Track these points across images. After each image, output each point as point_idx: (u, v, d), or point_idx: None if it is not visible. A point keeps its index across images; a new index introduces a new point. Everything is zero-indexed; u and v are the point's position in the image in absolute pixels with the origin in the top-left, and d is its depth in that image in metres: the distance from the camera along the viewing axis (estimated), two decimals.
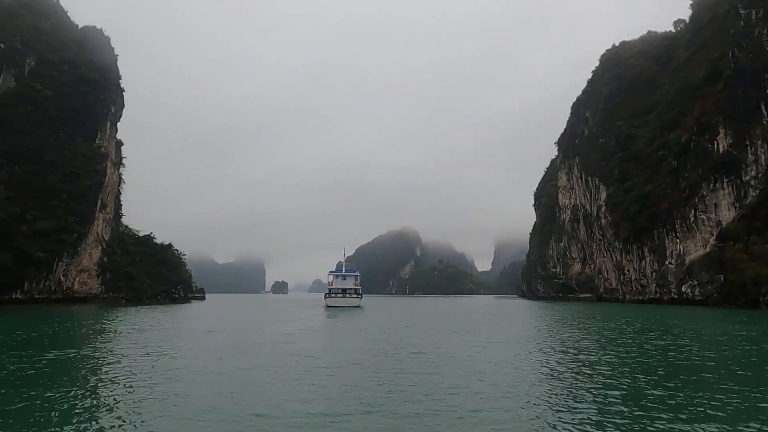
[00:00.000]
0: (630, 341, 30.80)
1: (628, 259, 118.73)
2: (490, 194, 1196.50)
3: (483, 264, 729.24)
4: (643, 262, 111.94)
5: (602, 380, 17.86)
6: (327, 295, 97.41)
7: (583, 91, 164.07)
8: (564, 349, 27.29)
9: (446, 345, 29.10)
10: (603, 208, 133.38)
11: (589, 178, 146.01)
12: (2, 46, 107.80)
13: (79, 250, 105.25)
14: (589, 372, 19.67)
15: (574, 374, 19.26)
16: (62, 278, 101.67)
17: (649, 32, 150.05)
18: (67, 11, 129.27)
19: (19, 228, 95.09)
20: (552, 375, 19.26)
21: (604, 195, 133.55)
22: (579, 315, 62.88)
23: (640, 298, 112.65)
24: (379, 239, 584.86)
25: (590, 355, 24.69)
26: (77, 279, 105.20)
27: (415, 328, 42.49)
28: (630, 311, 72.66)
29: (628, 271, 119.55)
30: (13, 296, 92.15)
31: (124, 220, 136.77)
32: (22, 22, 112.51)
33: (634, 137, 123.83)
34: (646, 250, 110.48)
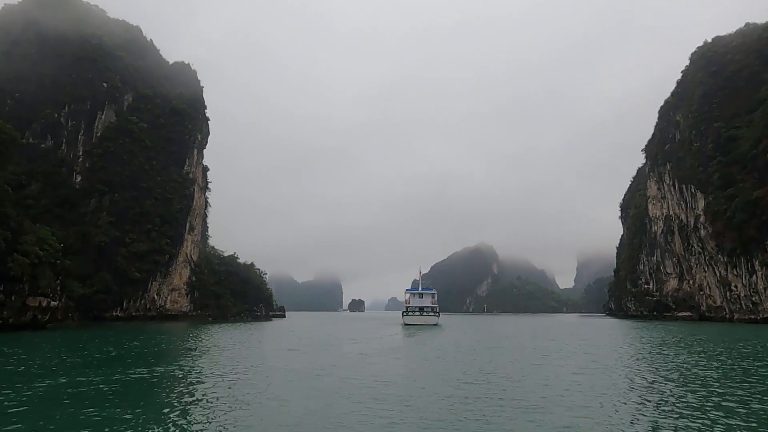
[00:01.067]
0: (758, 368, 26.52)
1: (735, 273, 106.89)
2: (571, 207, 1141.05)
3: (564, 281, 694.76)
4: (754, 276, 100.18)
5: (738, 419, 14.89)
6: (404, 314, 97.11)
7: (673, 93, 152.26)
8: (683, 377, 23.83)
9: (540, 370, 26.50)
10: (702, 218, 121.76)
11: (683, 186, 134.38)
12: (105, 85, 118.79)
13: (171, 270, 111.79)
14: (721, 406, 16.61)
15: (702, 409, 16.32)
16: (156, 297, 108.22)
17: (747, 24, 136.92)
18: (159, 50, 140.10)
19: (119, 250, 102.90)
20: (679, 410, 16.43)
21: (702, 204, 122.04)
22: (684, 336, 56.65)
23: (752, 317, 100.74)
24: (454, 256, 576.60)
25: (715, 386, 21.24)
26: (169, 297, 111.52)
27: (501, 350, 39.84)
28: (743, 332, 64.67)
29: (736, 287, 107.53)
30: (114, 314, 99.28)
31: (210, 241, 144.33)
32: (121, 62, 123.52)
33: (736, 139, 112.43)
34: (757, 263, 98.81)
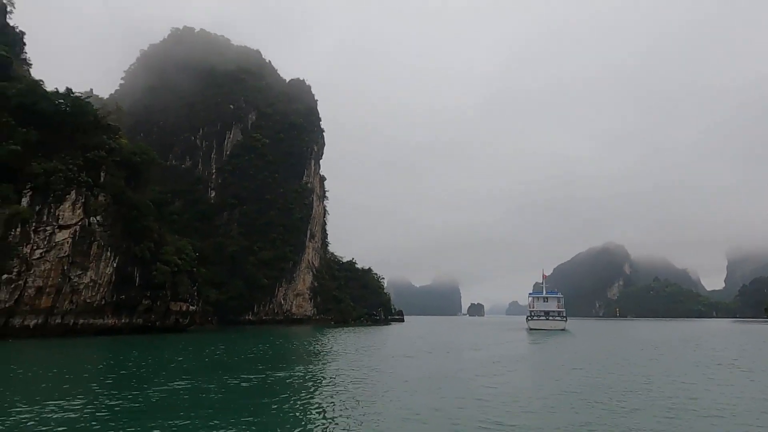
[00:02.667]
0: None
1: None
2: (718, 197, 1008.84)
3: (712, 282, 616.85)
4: None
5: None
6: (529, 318, 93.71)
7: None
8: None
9: (721, 396, 21.61)
10: None
11: None
12: (232, 107, 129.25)
13: (295, 276, 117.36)
14: None
15: None
16: (282, 301, 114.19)
17: None
18: (276, 69, 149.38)
19: (248, 258, 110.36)
20: None
21: None
22: None
23: None
24: (579, 257, 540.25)
25: None
26: (294, 302, 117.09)
27: (652, 361, 34.33)
28: None
29: None
30: (246, 318, 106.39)
31: (330, 248, 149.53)
32: (244, 84, 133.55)
33: None
34: None
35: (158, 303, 59.90)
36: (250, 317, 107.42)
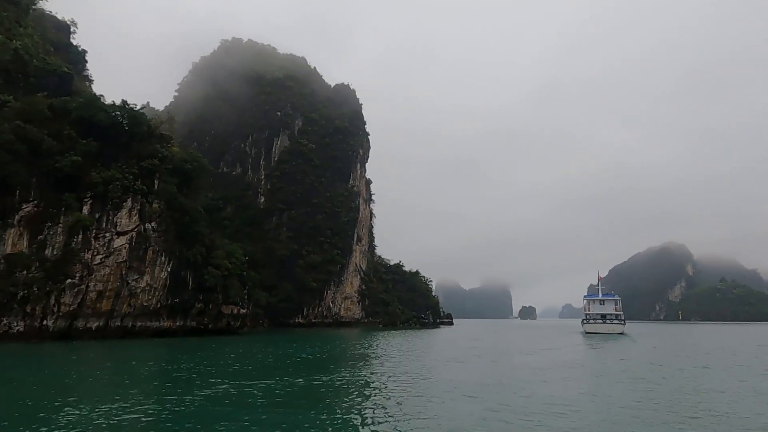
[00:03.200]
0: None
1: None
2: None
3: None
4: None
5: None
6: (584, 321, 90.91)
7: None
8: None
9: None
10: None
11: None
12: (279, 113, 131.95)
13: (343, 279, 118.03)
14: None
15: None
16: (331, 304, 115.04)
17: None
18: (321, 75, 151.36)
19: (297, 262, 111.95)
20: None
21: None
22: None
23: None
24: (637, 257, 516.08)
25: None
26: (342, 305, 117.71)
27: (729, 371, 31.68)
28: None
29: None
30: (296, 320, 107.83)
31: (377, 251, 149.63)
32: (290, 91, 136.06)
33: None
34: None
35: (210, 306, 61.49)
36: (299, 320, 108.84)
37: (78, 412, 15.74)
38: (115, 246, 51.55)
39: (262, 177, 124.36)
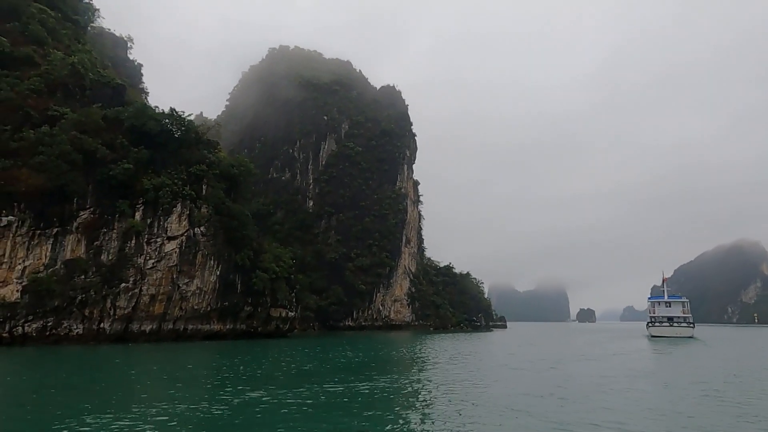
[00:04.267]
0: None
1: None
2: None
3: None
4: None
5: None
6: (650, 324, 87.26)
7: None
8: None
9: None
10: None
11: None
12: (326, 118, 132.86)
13: (392, 281, 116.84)
14: None
15: None
16: (381, 307, 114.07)
17: None
18: (367, 78, 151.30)
19: (347, 265, 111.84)
20: None
21: None
22: None
23: None
24: (705, 256, 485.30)
25: None
26: (392, 308, 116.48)
27: None
28: None
29: None
30: (346, 323, 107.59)
31: (427, 253, 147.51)
32: (337, 95, 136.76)
33: None
34: None
35: (259, 309, 61.83)
36: (349, 323, 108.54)
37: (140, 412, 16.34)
38: (166, 251, 52.65)
39: (311, 181, 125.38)
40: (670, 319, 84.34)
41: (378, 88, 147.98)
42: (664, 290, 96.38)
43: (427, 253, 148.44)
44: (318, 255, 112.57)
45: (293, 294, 68.70)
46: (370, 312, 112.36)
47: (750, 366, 35.33)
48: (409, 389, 22.55)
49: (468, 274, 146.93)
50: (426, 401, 19.54)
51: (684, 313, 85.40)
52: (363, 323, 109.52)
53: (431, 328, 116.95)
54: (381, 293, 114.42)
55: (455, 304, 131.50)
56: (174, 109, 57.43)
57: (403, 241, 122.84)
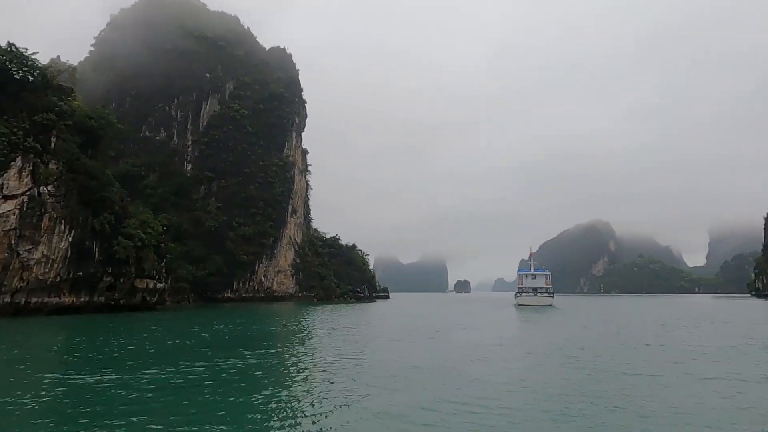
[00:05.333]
0: None
1: None
2: (700, 175, 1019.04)
3: (693, 258, 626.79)
4: None
5: None
6: (518, 294, 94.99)
7: None
8: None
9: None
10: None
11: None
12: (208, 75, 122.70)
13: (276, 252, 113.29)
14: None
15: None
16: (263, 278, 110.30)
17: None
18: (256, 37, 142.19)
19: (228, 234, 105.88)
20: None
21: None
22: None
23: None
24: (565, 234, 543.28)
25: None
26: (275, 279, 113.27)
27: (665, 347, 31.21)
28: None
29: None
30: (226, 295, 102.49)
31: (314, 224, 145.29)
32: (221, 52, 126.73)
33: None
34: None
35: (122, 280, 55.49)
36: (229, 294, 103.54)
37: None
38: (1, 212, 44.56)
39: (190, 143, 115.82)
40: (534, 289, 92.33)
41: (267, 48, 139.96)
42: (531, 264, 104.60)
43: (316, 225, 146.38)
44: (196, 222, 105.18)
45: (163, 264, 62.80)
46: (251, 283, 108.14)
47: (599, 331, 38.97)
48: (280, 366, 20.85)
49: (354, 246, 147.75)
50: (295, 378, 18.05)
51: (546, 284, 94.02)
52: (244, 295, 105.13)
53: (315, 300, 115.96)
54: (264, 264, 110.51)
55: (340, 275, 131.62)
56: (13, 45, 48.08)
57: (289, 210, 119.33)
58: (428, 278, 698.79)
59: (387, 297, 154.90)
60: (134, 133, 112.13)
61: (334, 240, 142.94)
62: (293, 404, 14.10)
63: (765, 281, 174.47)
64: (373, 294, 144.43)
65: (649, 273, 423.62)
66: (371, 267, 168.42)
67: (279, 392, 15.48)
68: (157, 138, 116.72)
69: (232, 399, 14.35)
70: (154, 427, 11.51)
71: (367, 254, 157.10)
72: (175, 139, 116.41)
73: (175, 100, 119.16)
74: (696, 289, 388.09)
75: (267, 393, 15.25)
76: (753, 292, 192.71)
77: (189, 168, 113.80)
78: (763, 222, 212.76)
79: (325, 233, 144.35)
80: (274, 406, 13.83)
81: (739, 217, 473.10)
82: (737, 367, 20.20)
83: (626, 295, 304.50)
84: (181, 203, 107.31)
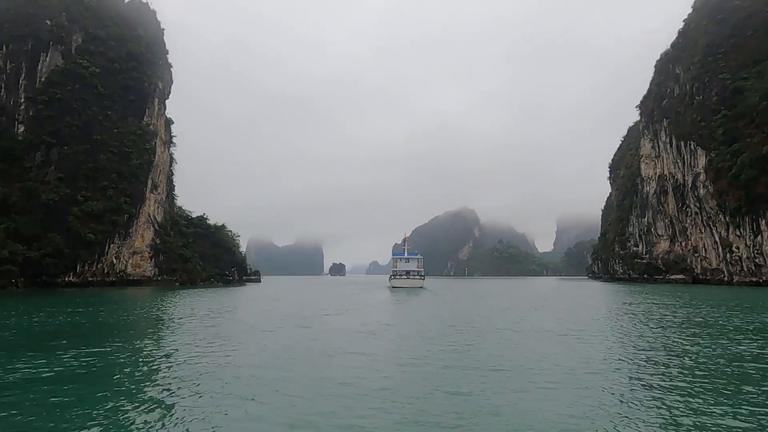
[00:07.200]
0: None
1: (738, 234, 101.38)
2: (558, 171, 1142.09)
3: (544, 244, 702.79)
4: (759, 237, 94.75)
5: None
6: (391, 277, 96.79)
7: (673, 45, 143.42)
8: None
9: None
10: (702, 176, 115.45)
11: (682, 143, 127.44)
12: (49, 23, 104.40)
13: (131, 231, 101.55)
14: None
15: None
16: (115, 260, 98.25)
17: None
18: None
19: (71, 209, 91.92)
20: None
21: (703, 161, 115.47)
22: (696, 301, 49.54)
23: (753, 279, 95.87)
24: (436, 220, 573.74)
25: None
26: (130, 261, 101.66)
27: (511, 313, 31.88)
28: (751, 296, 58.34)
29: (737, 248, 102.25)
30: (67, 279, 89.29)
31: (179, 202, 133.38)
32: None
33: (743, 91, 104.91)
34: (764, 222, 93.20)
35: None
36: (71, 278, 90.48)
37: None
38: None
39: (22, 100, 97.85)
40: (407, 272, 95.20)
41: (126, 1, 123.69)
42: (404, 248, 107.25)
43: (181, 203, 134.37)
44: (29, 194, 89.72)
45: None
46: (100, 266, 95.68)
47: (465, 313, 39.46)
48: (139, 359, 16.60)
49: (223, 226, 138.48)
50: (155, 374, 14.14)
51: (418, 268, 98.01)
52: (90, 279, 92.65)
53: (177, 284, 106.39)
54: (116, 244, 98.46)
55: (207, 257, 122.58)
56: None
57: (149, 185, 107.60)
58: (304, 261, 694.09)
59: (258, 280, 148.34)
60: None
61: (201, 219, 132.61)
62: (138, 404, 10.48)
63: (600, 266, 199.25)
64: (243, 277, 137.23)
65: (507, 257, 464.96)
66: (243, 249, 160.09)
67: (127, 389, 11.64)
68: None
69: (75, 399, 10.24)
70: None
71: (239, 235, 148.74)
72: (2, 93, 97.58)
73: (4, 48, 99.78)
74: (544, 272, 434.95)
75: (111, 390, 11.36)
76: (589, 275, 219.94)
77: (21, 129, 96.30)
78: (600, 214, 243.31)
79: (191, 212, 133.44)
80: (114, 405, 10.13)
81: (582, 209, 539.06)
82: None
83: (487, 277, 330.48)
84: (9, 171, 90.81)
